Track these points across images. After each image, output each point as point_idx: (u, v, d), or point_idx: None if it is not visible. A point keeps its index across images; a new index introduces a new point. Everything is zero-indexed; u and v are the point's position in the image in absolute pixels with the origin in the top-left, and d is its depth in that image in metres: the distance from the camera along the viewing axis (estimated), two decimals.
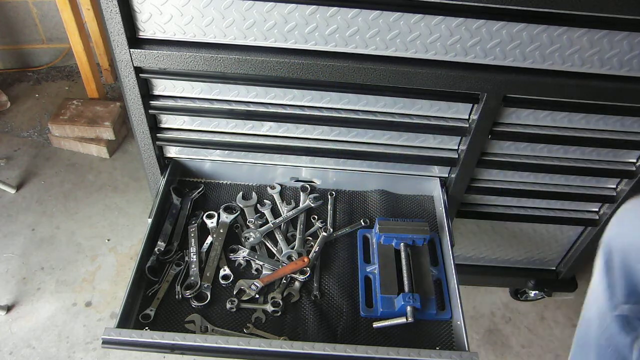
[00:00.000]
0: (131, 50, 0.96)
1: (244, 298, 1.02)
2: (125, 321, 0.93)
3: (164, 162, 1.22)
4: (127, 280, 1.63)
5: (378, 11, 0.91)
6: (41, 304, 1.56)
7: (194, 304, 1.00)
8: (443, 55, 0.97)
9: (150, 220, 1.08)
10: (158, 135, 1.15)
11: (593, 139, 1.11)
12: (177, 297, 1.01)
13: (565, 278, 1.53)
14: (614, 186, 1.25)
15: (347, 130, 1.14)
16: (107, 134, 2.01)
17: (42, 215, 1.80)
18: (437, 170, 1.22)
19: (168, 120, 1.14)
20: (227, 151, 1.19)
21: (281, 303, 1.01)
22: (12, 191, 1.87)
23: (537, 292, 1.59)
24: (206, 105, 1.09)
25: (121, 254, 1.70)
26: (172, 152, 1.21)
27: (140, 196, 1.89)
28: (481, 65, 0.98)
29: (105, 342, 0.86)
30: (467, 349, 0.95)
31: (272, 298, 1.02)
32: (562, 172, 1.20)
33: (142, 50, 0.96)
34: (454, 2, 0.88)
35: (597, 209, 1.31)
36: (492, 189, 1.24)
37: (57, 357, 1.44)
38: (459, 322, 1.00)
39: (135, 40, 0.97)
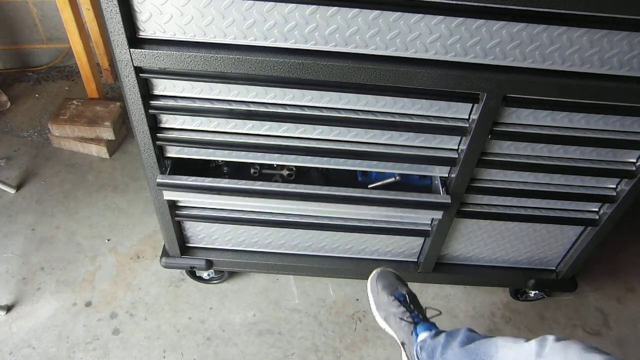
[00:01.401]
0: (131, 50, 0.96)
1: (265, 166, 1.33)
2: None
3: (164, 162, 1.22)
4: (127, 280, 1.63)
5: (378, 11, 0.91)
6: (41, 304, 1.56)
7: (225, 169, 1.33)
8: (443, 55, 0.97)
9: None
10: (158, 135, 1.15)
11: (593, 139, 1.11)
12: (211, 165, 1.32)
13: (565, 278, 1.53)
14: (614, 186, 1.25)
15: (347, 130, 1.14)
16: (107, 134, 2.01)
17: (42, 215, 1.80)
18: (437, 170, 1.22)
19: (168, 120, 1.14)
20: (227, 151, 1.19)
21: (294, 169, 1.34)
22: (12, 191, 1.87)
23: (537, 292, 1.59)
24: (206, 105, 1.09)
25: (121, 254, 1.70)
26: (172, 152, 1.21)
27: (140, 196, 1.89)
28: (481, 65, 0.98)
29: (160, 184, 1.13)
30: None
31: (287, 167, 1.34)
32: (562, 172, 1.20)
33: (142, 50, 0.96)
34: (454, 2, 0.88)
35: (597, 209, 1.31)
36: (492, 189, 1.24)
37: (57, 357, 1.44)
38: (436, 182, 1.26)
39: (135, 40, 0.97)
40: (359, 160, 1.20)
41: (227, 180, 1.15)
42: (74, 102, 2.09)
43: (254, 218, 1.34)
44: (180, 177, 1.12)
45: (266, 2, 0.90)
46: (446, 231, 1.36)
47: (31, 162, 2.00)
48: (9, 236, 1.74)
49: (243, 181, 1.16)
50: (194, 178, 1.12)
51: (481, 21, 0.91)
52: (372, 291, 1.28)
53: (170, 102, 1.09)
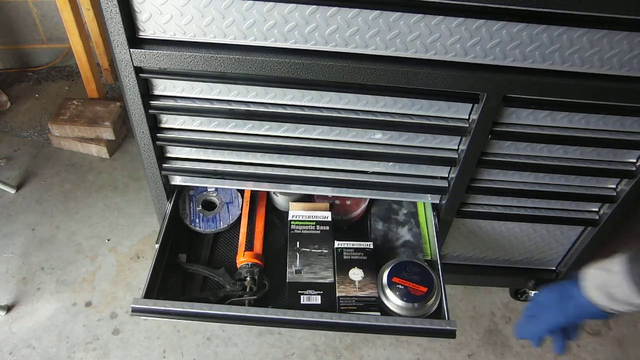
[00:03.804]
0: (131, 50, 0.96)
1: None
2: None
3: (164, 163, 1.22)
4: (127, 280, 1.63)
5: (378, 11, 0.91)
6: (41, 304, 1.56)
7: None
8: (443, 55, 0.97)
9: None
10: (158, 135, 1.15)
11: (593, 139, 1.11)
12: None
13: (565, 278, 1.53)
14: (614, 186, 1.25)
15: (347, 130, 1.14)
16: (107, 134, 2.01)
17: (42, 215, 1.80)
18: (437, 170, 1.22)
19: (168, 120, 1.14)
20: (226, 151, 1.19)
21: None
22: (12, 191, 1.87)
23: (537, 292, 1.59)
24: (206, 105, 1.09)
25: (121, 254, 1.70)
26: (173, 152, 1.21)
27: (140, 196, 1.89)
28: (481, 65, 0.98)
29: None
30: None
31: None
32: (562, 172, 1.20)
33: (142, 50, 0.96)
34: (454, 2, 0.88)
35: (597, 209, 1.31)
36: (492, 189, 1.24)
37: (57, 357, 1.44)
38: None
39: (135, 40, 0.97)
40: (358, 161, 1.20)
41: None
42: (74, 102, 2.09)
43: None
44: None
45: (266, 2, 0.90)
46: (445, 233, 1.36)
47: (31, 162, 2.00)
48: (9, 236, 1.74)
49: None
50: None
51: (481, 21, 0.91)
52: None
53: (170, 102, 1.09)
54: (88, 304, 1.57)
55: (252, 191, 1.35)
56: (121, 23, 0.91)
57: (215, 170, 1.22)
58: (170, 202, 1.28)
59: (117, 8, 0.89)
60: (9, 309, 1.54)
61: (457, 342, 1.54)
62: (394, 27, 0.93)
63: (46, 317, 1.53)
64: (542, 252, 1.47)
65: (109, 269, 1.66)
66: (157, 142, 1.16)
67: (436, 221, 1.27)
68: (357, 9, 0.90)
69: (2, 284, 1.60)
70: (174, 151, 1.21)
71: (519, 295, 1.64)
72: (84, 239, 1.75)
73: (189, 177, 1.26)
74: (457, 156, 1.17)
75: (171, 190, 1.30)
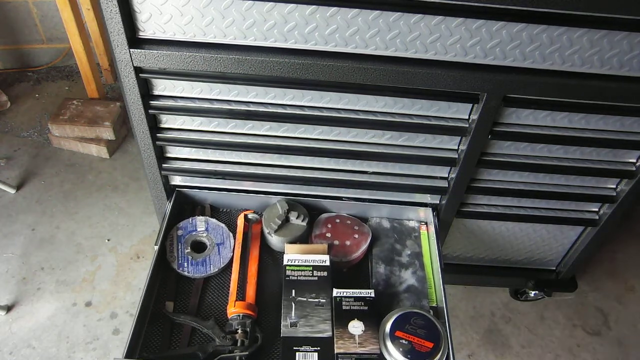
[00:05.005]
0: (131, 50, 0.96)
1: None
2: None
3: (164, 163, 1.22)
4: (127, 280, 1.63)
5: (378, 11, 0.91)
6: (41, 304, 1.56)
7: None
8: (443, 55, 0.97)
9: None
10: (158, 135, 1.15)
11: (593, 139, 1.11)
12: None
13: (565, 278, 1.53)
14: (614, 186, 1.25)
15: (347, 130, 1.14)
16: (107, 134, 2.01)
17: (42, 215, 1.80)
18: (437, 170, 1.22)
19: (168, 120, 1.14)
20: (226, 151, 1.19)
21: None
22: (12, 191, 1.87)
23: (537, 292, 1.59)
24: (206, 105, 1.09)
25: (121, 254, 1.70)
26: (172, 152, 1.21)
27: (140, 196, 1.90)
28: (481, 65, 0.98)
29: None
30: None
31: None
32: (562, 172, 1.20)
33: (142, 50, 0.96)
34: (454, 2, 0.88)
35: (597, 209, 1.31)
36: (492, 189, 1.24)
37: (57, 357, 1.44)
38: None
39: (135, 40, 0.97)
40: (358, 161, 1.20)
41: None
42: (74, 102, 2.09)
43: None
44: None
45: (266, 3, 0.90)
46: (445, 233, 1.36)
47: (31, 162, 2.00)
48: (9, 236, 1.74)
49: None
50: None
51: (481, 21, 0.91)
52: None
53: (170, 102, 1.09)
54: (88, 304, 1.57)
55: (244, 231, 1.24)
56: (121, 23, 0.91)
57: (215, 170, 1.22)
58: (170, 202, 1.28)
59: (117, 8, 0.89)
60: (9, 309, 1.54)
61: (457, 342, 1.54)
62: (394, 27, 0.93)
63: (46, 317, 1.53)
64: (542, 252, 1.47)
65: (109, 269, 1.66)
66: (157, 142, 1.16)
67: (436, 221, 1.27)
68: (357, 9, 0.90)
69: (2, 284, 1.60)
70: (173, 151, 1.21)
71: (519, 295, 1.64)
72: (84, 239, 1.75)
73: (189, 177, 1.26)
74: (457, 156, 1.17)
75: (171, 190, 1.30)
